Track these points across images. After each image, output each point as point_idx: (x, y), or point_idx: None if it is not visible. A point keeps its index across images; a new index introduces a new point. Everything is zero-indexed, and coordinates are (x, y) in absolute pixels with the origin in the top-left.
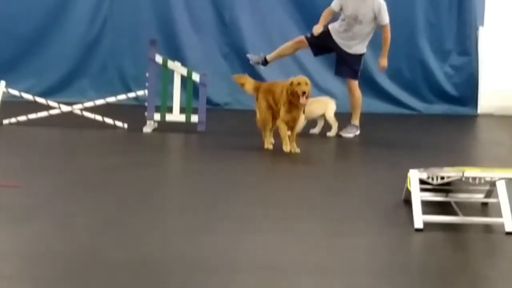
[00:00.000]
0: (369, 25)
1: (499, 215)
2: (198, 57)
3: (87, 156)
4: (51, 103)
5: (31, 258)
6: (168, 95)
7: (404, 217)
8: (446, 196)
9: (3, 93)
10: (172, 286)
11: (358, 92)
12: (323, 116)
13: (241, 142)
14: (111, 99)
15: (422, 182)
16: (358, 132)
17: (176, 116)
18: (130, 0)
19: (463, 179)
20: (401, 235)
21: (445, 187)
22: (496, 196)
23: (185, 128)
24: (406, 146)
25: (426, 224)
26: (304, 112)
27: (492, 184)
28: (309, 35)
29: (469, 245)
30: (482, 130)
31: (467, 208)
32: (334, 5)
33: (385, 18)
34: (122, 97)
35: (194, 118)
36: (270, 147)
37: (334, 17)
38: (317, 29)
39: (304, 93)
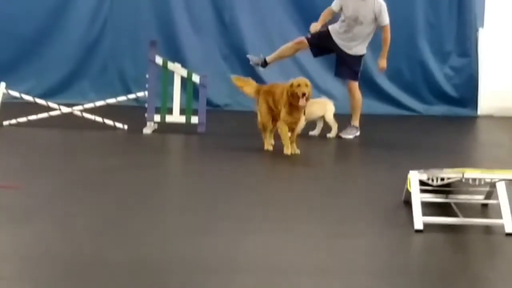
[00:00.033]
0: (369, 26)
1: (499, 216)
2: (198, 58)
3: (87, 157)
4: (51, 104)
5: (31, 259)
6: (168, 96)
7: (404, 218)
8: (446, 197)
9: (3, 94)
10: (172, 287)
11: (358, 93)
12: (322, 117)
13: (241, 143)
14: (111, 100)
15: (422, 183)
16: (358, 133)
17: (176, 117)
18: (130, 1)
19: (463, 180)
20: (401, 236)
21: (445, 188)
22: (496, 198)
23: (185, 129)
24: (406, 147)
25: (426, 225)
26: (304, 113)
27: (492, 185)
28: (309, 36)
29: (469, 246)
30: (482, 132)
31: (467, 209)
32: (334, 5)
33: (386, 19)
34: (122, 98)
35: (194, 119)
36: (270, 148)
37: (334, 18)
38: (315, 27)
39: (304, 94)
